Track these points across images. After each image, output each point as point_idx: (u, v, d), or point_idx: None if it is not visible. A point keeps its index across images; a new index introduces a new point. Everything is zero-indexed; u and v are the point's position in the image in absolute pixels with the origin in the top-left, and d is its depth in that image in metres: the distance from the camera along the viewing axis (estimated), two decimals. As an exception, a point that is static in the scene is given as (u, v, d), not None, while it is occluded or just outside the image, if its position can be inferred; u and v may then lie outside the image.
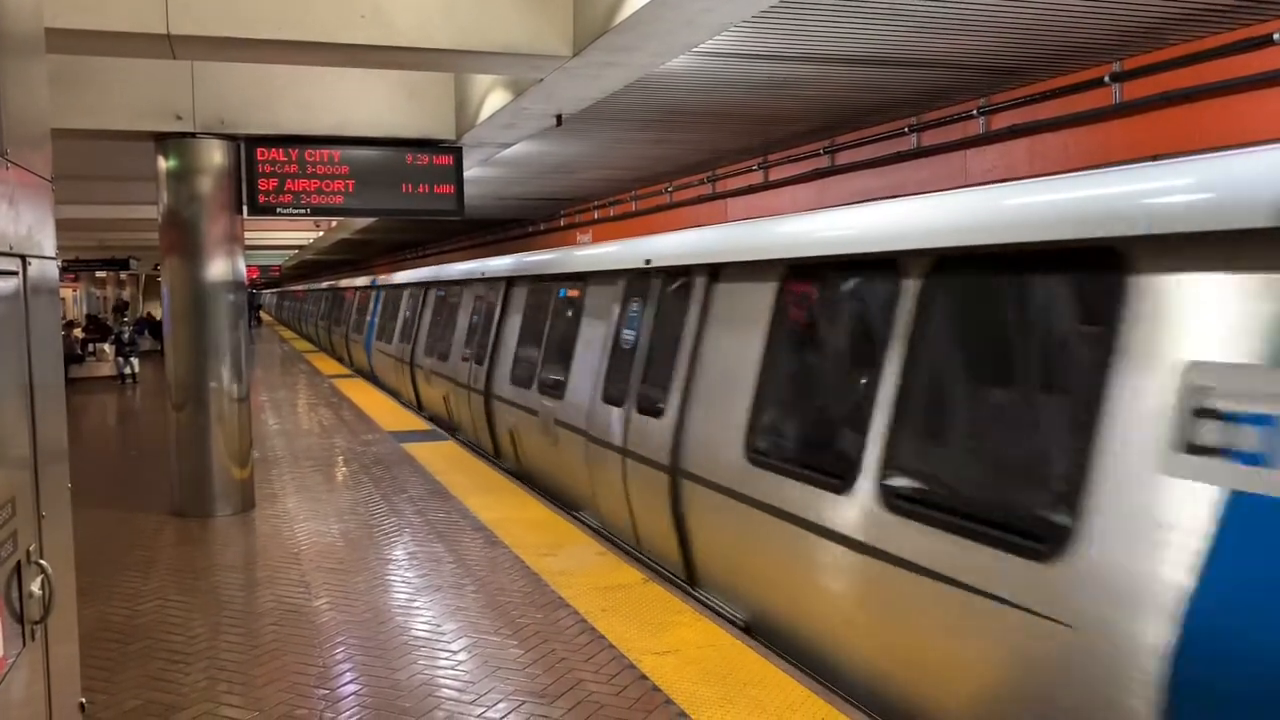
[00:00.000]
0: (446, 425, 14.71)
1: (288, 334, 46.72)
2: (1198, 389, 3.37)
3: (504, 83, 7.75)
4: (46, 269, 3.01)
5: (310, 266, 51.76)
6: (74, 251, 29.14)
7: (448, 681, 4.99)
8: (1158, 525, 3.41)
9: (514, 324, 12.01)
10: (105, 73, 8.23)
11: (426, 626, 5.80)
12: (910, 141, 9.98)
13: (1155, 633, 3.34)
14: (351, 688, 4.96)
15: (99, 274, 39.90)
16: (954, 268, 4.69)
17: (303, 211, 9.01)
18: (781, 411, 6.16)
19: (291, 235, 28.00)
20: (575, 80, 6.86)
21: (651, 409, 7.51)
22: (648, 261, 8.17)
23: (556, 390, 9.78)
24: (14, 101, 2.70)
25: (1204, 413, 3.34)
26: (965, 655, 4.22)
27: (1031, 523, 3.98)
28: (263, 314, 64.94)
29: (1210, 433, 3.31)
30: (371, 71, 8.78)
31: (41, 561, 2.73)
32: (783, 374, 6.18)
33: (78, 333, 26.31)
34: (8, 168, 2.59)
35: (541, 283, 11.33)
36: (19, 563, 2.60)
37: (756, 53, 7.37)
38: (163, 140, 8.61)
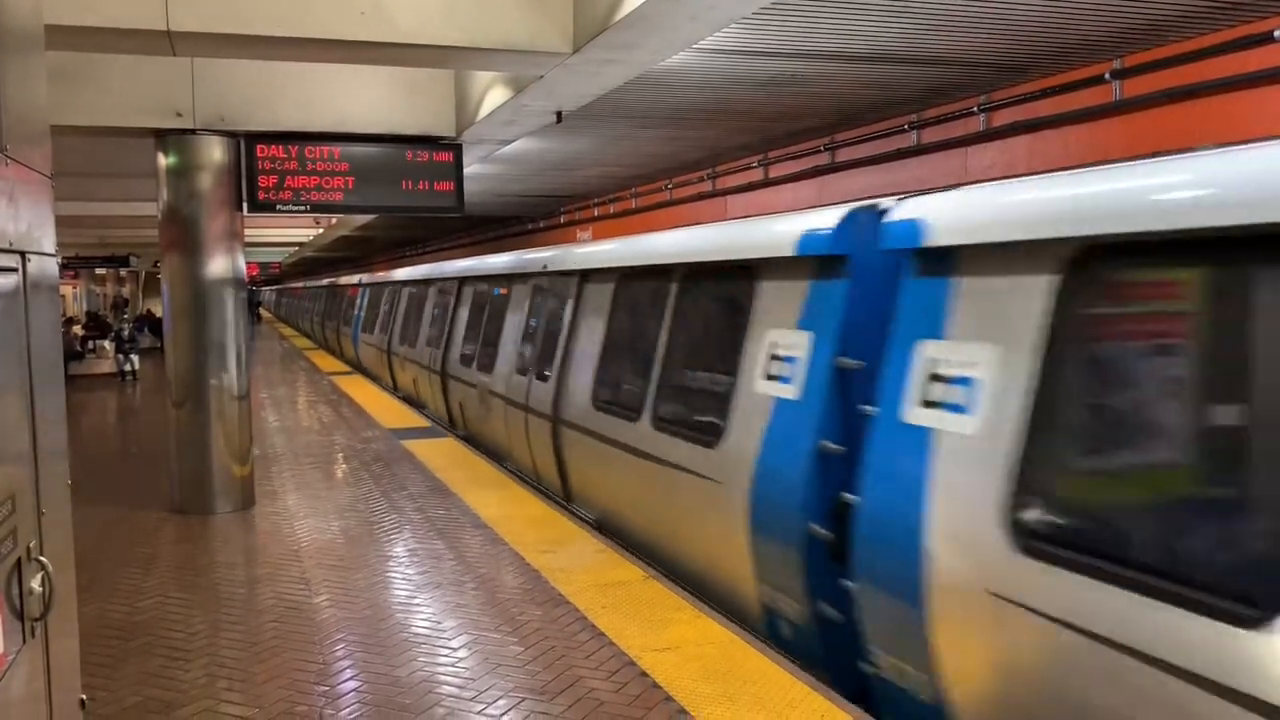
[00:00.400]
0: (415, 403, 17.08)
1: (288, 331, 46.71)
2: (776, 347, 6.07)
3: (504, 79, 7.74)
4: (46, 266, 3.01)
5: (310, 264, 51.78)
6: (74, 249, 29.14)
7: (448, 678, 4.99)
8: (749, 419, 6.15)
9: (463, 316, 14.57)
10: (105, 69, 8.23)
11: (426, 623, 5.81)
12: (911, 139, 9.98)
13: (747, 484, 6.00)
14: (352, 684, 4.97)
15: (99, 271, 39.90)
16: (695, 275, 7.39)
17: (302, 208, 9.00)
18: (611, 373, 8.73)
19: (291, 233, 28.01)
20: (575, 77, 6.86)
21: (542, 376, 10.17)
22: (545, 267, 10.74)
23: (489, 367, 12.32)
24: (14, 98, 2.70)
25: (774, 361, 6.02)
26: (682, 509, 6.92)
27: (709, 429, 6.58)
28: (262, 311, 64.91)
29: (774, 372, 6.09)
30: (371, 68, 8.78)
31: (42, 558, 2.73)
32: (612, 348, 8.78)
33: (77, 330, 26.31)
34: (7, 164, 2.59)
35: (482, 283, 13.85)
36: (19, 560, 2.60)
37: (757, 49, 7.36)
38: (163, 137, 8.60)
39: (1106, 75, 7.76)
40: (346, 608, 6.12)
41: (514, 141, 9.76)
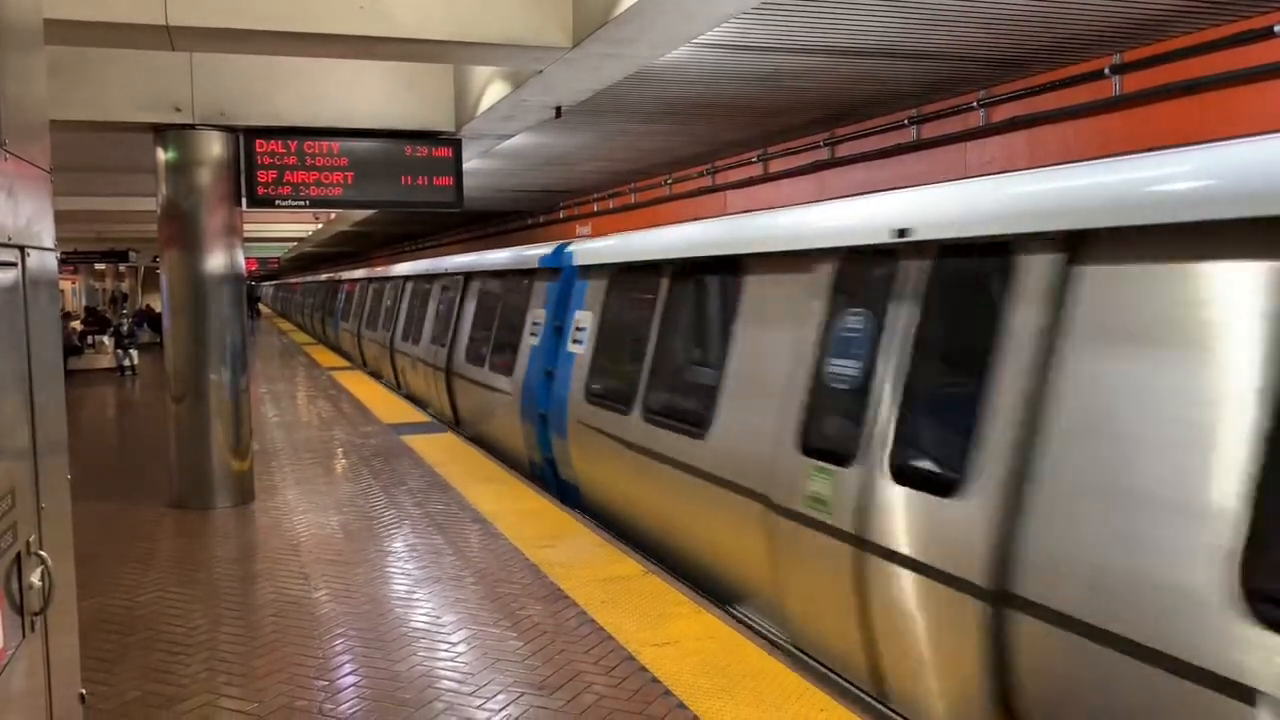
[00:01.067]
0: (376, 375, 21.57)
1: (286, 326, 46.69)
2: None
3: (503, 74, 7.74)
4: (46, 260, 3.01)
5: (309, 259, 51.77)
6: (73, 244, 29.10)
7: (447, 673, 5.00)
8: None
9: (405, 306, 19.09)
10: (104, 64, 8.21)
11: (426, 618, 5.81)
12: (910, 134, 9.98)
13: (521, 393, 10.80)
14: (351, 679, 4.97)
15: (98, 267, 39.87)
16: (500, 276, 13.07)
17: (301, 203, 9.00)
18: (474, 340, 13.48)
19: (290, 228, 27.98)
20: (575, 72, 6.85)
21: (441, 344, 15.08)
22: (444, 270, 16.33)
23: (418, 342, 16.90)
24: (13, 92, 2.70)
25: (533, 325, 10.81)
26: (497, 414, 11.84)
27: (510, 367, 11.30)
28: (261, 306, 64.87)
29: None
30: (371, 63, 8.77)
31: (41, 553, 2.74)
32: (475, 324, 13.70)
33: (76, 325, 26.30)
34: (6, 159, 2.59)
35: (419, 281, 18.36)
36: (19, 554, 2.60)
37: (757, 44, 7.36)
38: (162, 132, 8.59)
39: (1106, 70, 7.76)
40: (346, 602, 6.13)
41: (513, 136, 9.75)
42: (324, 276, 39.73)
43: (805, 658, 5.38)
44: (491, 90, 8.08)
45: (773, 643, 5.46)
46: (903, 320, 4.83)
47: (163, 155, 8.65)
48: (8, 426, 2.59)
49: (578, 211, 19.34)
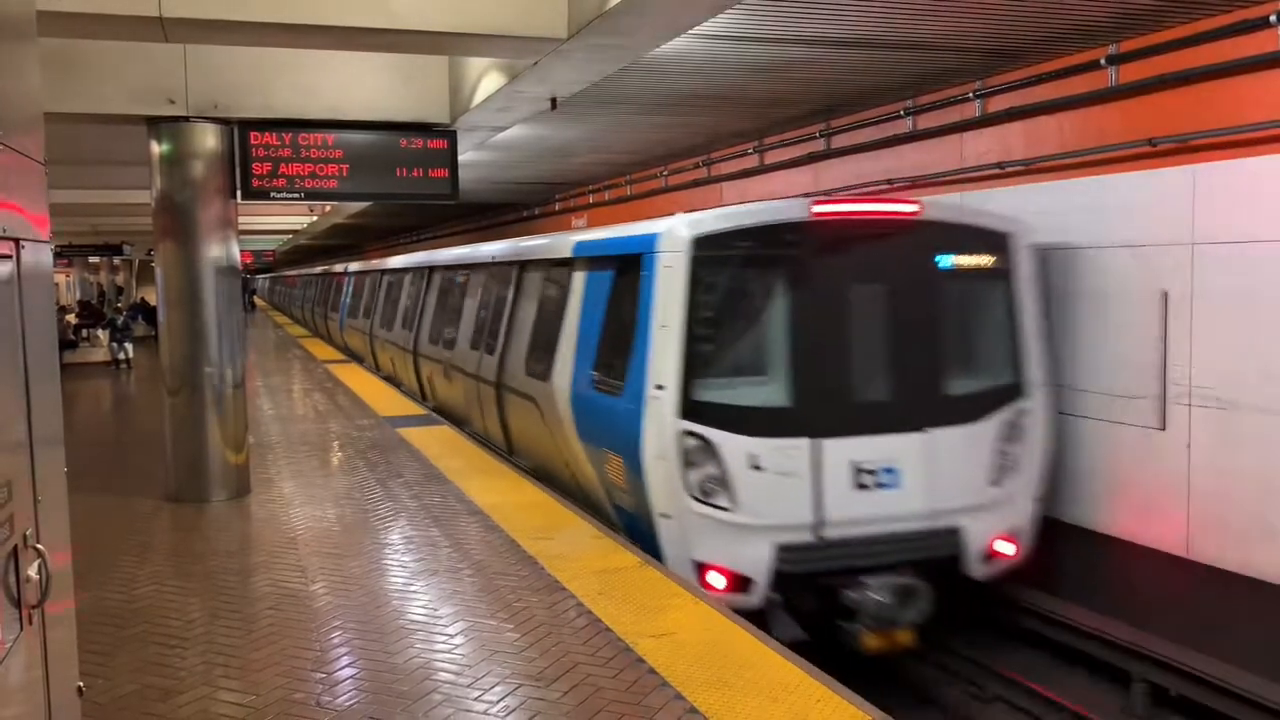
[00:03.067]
0: (344, 349, 26.05)
1: (282, 319, 46.61)
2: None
3: (499, 66, 7.71)
4: (41, 253, 3.00)
5: (304, 252, 51.66)
6: (67, 237, 29.00)
7: (445, 665, 5.00)
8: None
9: (359, 294, 24.44)
10: (98, 56, 8.17)
11: (423, 610, 5.82)
12: (906, 125, 9.97)
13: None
14: (348, 671, 4.98)
15: (92, 260, 39.74)
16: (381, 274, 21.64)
17: (296, 196, 8.96)
18: (389, 315, 19.54)
19: (285, 220, 27.91)
20: (570, 63, 6.83)
21: (387, 325, 19.45)
22: (384, 268, 21.60)
23: (369, 321, 21.94)
24: (6, 85, 2.69)
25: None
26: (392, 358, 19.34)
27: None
28: (256, 299, 64.76)
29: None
30: (366, 55, 8.73)
31: (38, 545, 2.73)
32: (392, 306, 19.73)
33: (71, 318, 26.23)
34: (1, 150, 2.58)
35: (368, 275, 23.77)
36: (15, 547, 2.60)
37: (752, 35, 7.34)
38: (156, 124, 8.56)
39: (1102, 61, 7.75)
40: (343, 595, 6.13)
41: (509, 128, 9.73)
42: (319, 269, 39.83)
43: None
44: (487, 82, 8.06)
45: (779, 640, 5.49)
46: (510, 299, 11.58)
47: (157, 148, 8.61)
48: (4, 420, 2.58)
49: (574, 203, 19.32)
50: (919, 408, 7.44)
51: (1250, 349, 6.83)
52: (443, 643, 5.30)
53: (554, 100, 8.08)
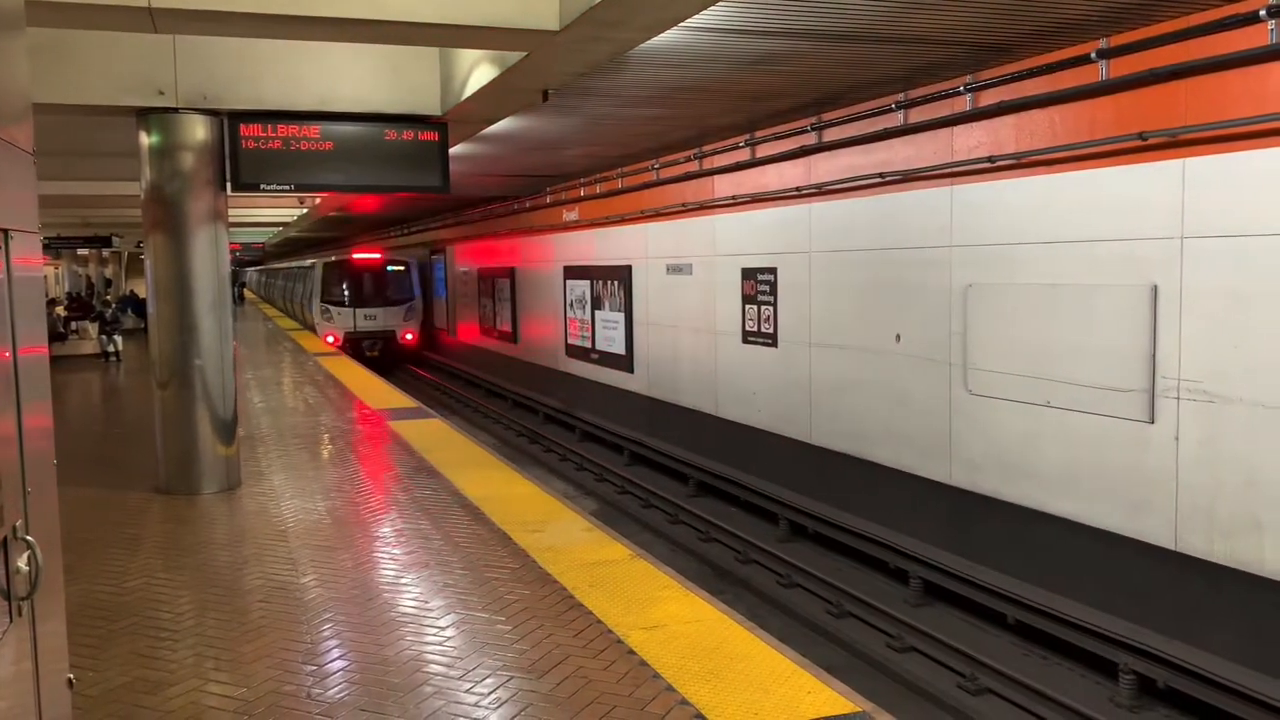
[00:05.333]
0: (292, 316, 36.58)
1: (271, 311, 46.52)
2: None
3: (490, 58, 7.69)
4: (30, 243, 2.98)
5: (293, 244, 51.67)
6: (55, 229, 28.83)
7: (436, 657, 5.01)
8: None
9: (286, 279, 39.23)
10: (86, 47, 8.12)
11: (414, 603, 5.82)
12: (897, 119, 9.97)
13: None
14: (339, 664, 4.98)
15: (81, 252, 39.58)
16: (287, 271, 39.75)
17: (286, 188, 8.93)
18: (282, 288, 42.30)
19: (275, 212, 27.81)
20: (562, 55, 6.81)
21: (307, 301, 33.18)
22: (309, 265, 35.33)
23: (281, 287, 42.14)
24: (-6, 74, 2.67)
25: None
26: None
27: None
28: (246, 292, 64.64)
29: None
30: (356, 46, 8.70)
31: (28, 538, 2.73)
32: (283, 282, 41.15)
33: (60, 311, 26.13)
34: (-11, 141, 2.57)
35: (283, 270, 41.48)
36: (5, 538, 2.59)
37: (744, 28, 7.33)
38: (145, 115, 8.52)
39: (1092, 55, 7.76)
40: (334, 587, 6.13)
41: (500, 121, 9.70)
42: (309, 261, 40.80)
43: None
44: (478, 74, 8.03)
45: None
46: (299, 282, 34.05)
47: (146, 139, 8.58)
48: (-7, 411, 2.57)
49: (564, 196, 19.29)
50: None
51: (1240, 343, 6.86)
52: (433, 635, 5.30)
53: (546, 92, 8.06)
